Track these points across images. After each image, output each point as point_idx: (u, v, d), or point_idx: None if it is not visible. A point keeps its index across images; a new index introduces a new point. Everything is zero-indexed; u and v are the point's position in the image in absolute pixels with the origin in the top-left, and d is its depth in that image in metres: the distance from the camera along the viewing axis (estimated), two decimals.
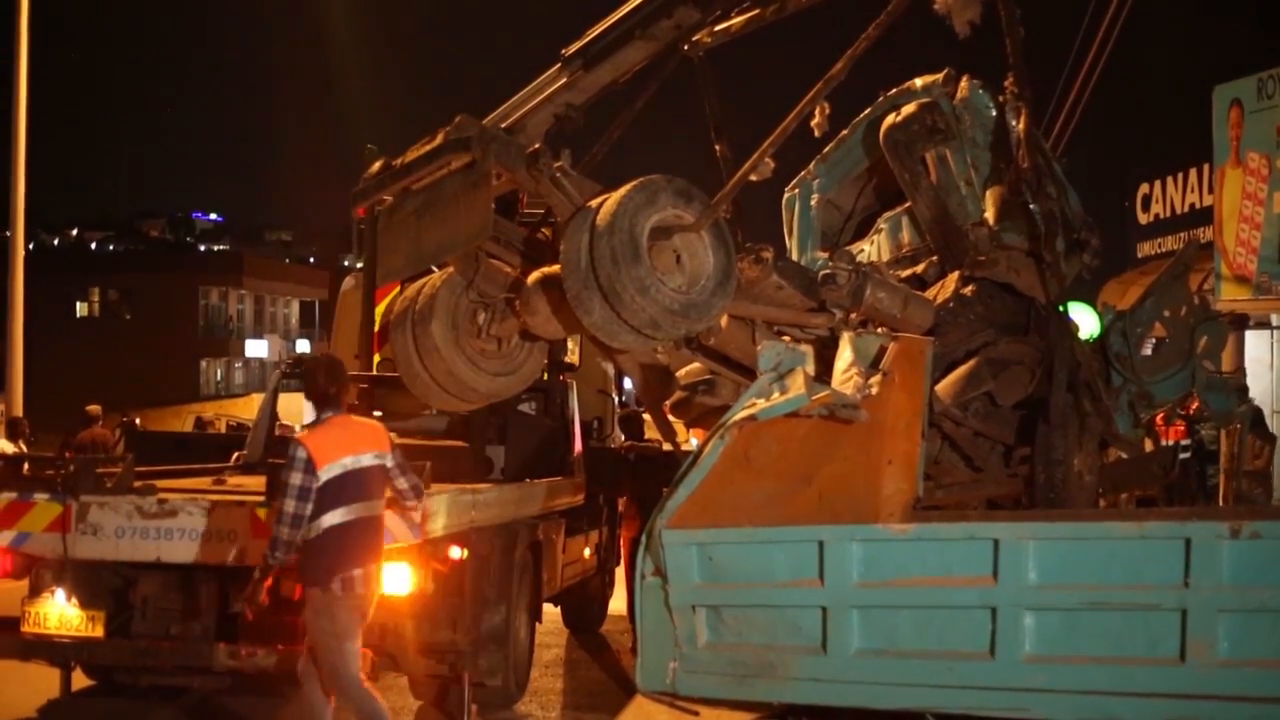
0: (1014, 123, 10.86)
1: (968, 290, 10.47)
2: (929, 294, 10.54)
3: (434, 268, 10.74)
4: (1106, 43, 21.76)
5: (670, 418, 11.76)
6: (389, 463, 9.24)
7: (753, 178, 10.08)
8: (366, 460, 9.09)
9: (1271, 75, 24.79)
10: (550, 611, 14.20)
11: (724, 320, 9.97)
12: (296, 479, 8.79)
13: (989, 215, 10.85)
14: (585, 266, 9.04)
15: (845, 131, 12.23)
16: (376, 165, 10.40)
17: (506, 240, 10.64)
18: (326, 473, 8.86)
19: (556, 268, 9.50)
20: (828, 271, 10.02)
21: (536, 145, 9.85)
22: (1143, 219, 32.58)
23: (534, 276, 10.13)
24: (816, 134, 12.02)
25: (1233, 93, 26.03)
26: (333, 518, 8.86)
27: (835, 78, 9.62)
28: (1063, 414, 9.93)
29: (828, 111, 11.64)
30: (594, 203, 9.33)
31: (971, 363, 10.06)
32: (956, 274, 10.64)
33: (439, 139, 9.83)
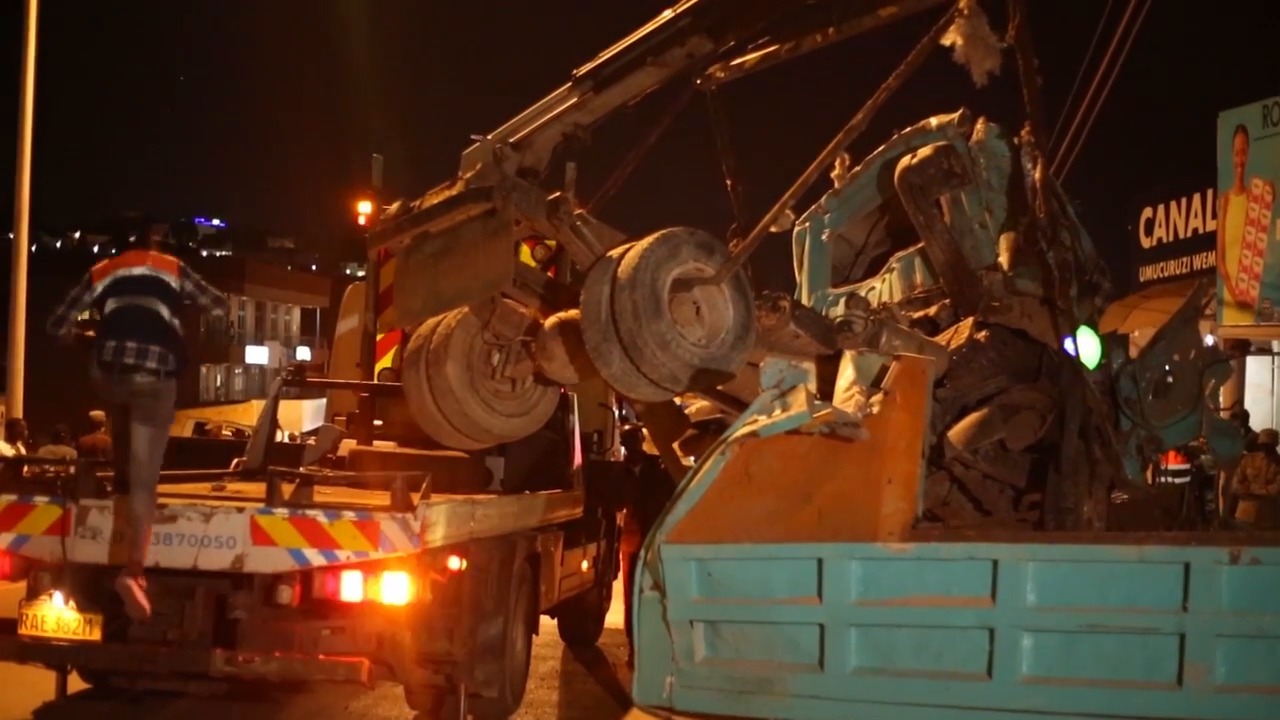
0: (1030, 168, 10.82)
1: (981, 336, 10.41)
2: (942, 338, 10.51)
3: None
4: (1112, 66, 21.78)
5: (679, 455, 11.79)
6: (173, 281, 10.45)
7: (772, 229, 10.10)
8: (137, 271, 10.41)
9: (1277, 102, 24.88)
10: (547, 624, 14.22)
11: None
12: (72, 291, 10.41)
13: (1003, 260, 10.78)
14: (606, 319, 9.06)
15: (858, 168, 12.22)
16: (394, 207, 10.45)
17: (523, 282, 10.66)
18: (101, 283, 10.33)
19: (573, 313, 9.52)
20: (844, 319, 10.03)
21: (557, 194, 9.89)
22: (1145, 243, 32.64)
23: (551, 322, 10.15)
24: (836, 185, 12.05)
25: (1238, 119, 26.11)
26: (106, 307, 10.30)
27: (855, 129, 9.66)
28: (1074, 462, 9.89)
29: (847, 162, 11.67)
30: (615, 253, 9.35)
31: (984, 410, 10.02)
32: (970, 320, 10.60)
33: (459, 186, 9.86)
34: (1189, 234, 30.52)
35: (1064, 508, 9.77)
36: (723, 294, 9.48)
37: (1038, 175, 10.57)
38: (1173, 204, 31.34)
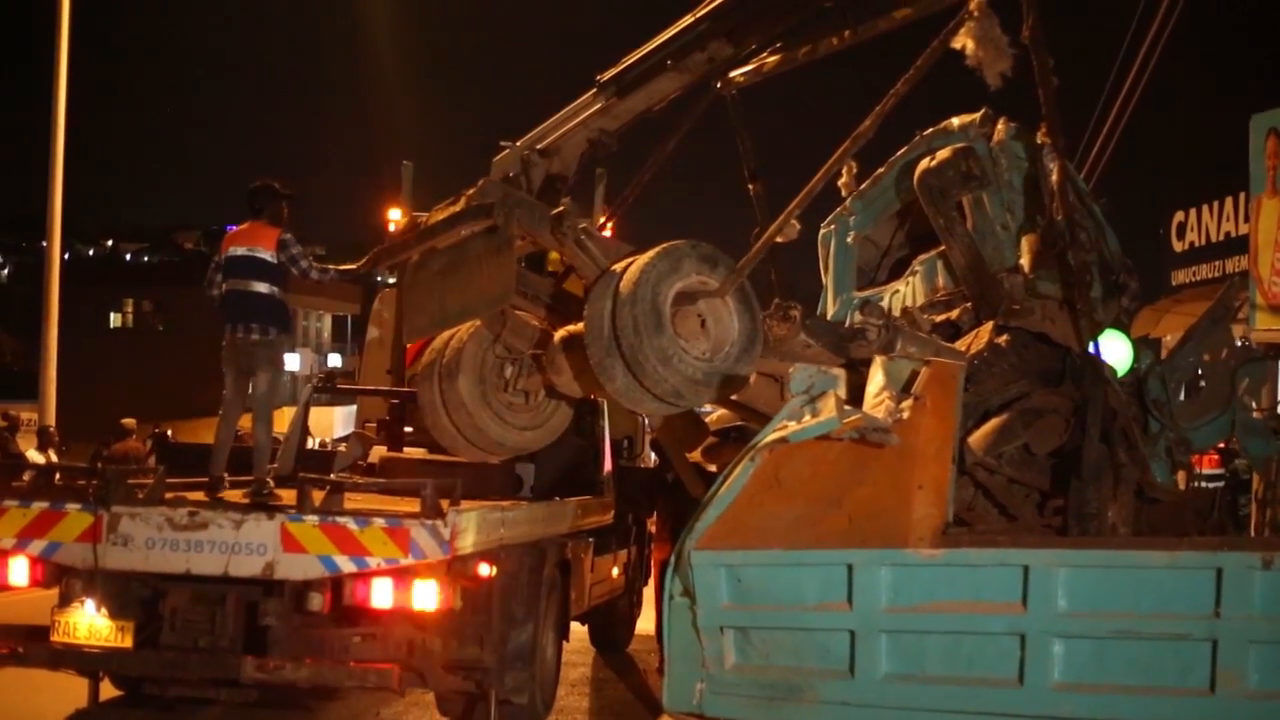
0: (1051, 168, 10.74)
1: (1002, 340, 10.34)
2: (962, 343, 10.44)
3: None
4: (1144, 69, 21.69)
5: (701, 463, 11.76)
6: (269, 256, 11.55)
7: (779, 240, 10.06)
8: (240, 252, 11.62)
9: None
10: (577, 630, 14.19)
11: (752, 376, 9.97)
12: (214, 258, 11.99)
13: (1024, 263, 10.71)
14: (608, 334, 9.06)
15: (882, 169, 12.17)
16: (404, 223, 10.47)
17: (534, 294, 10.67)
18: (223, 255, 11.74)
19: (580, 327, 9.51)
20: (858, 326, 9.98)
21: (561, 208, 9.89)
22: (1177, 247, 32.45)
23: (559, 335, 10.15)
24: (844, 194, 11.98)
25: (1270, 122, 25.95)
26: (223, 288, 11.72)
27: (863, 136, 9.61)
28: (1095, 467, 9.79)
29: (855, 170, 11.58)
30: (618, 267, 9.34)
31: (1005, 415, 9.94)
32: (990, 324, 10.52)
33: (461, 203, 9.87)
34: (1221, 237, 30.32)
35: (1087, 513, 9.69)
36: (728, 306, 9.45)
37: (1055, 176, 10.49)
38: (1204, 207, 31.14)
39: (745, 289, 9.57)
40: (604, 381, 9.26)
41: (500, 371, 10.92)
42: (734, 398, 10.17)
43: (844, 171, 11.43)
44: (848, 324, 10.99)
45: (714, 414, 11.76)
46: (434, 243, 10.11)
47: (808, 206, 9.96)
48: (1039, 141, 10.84)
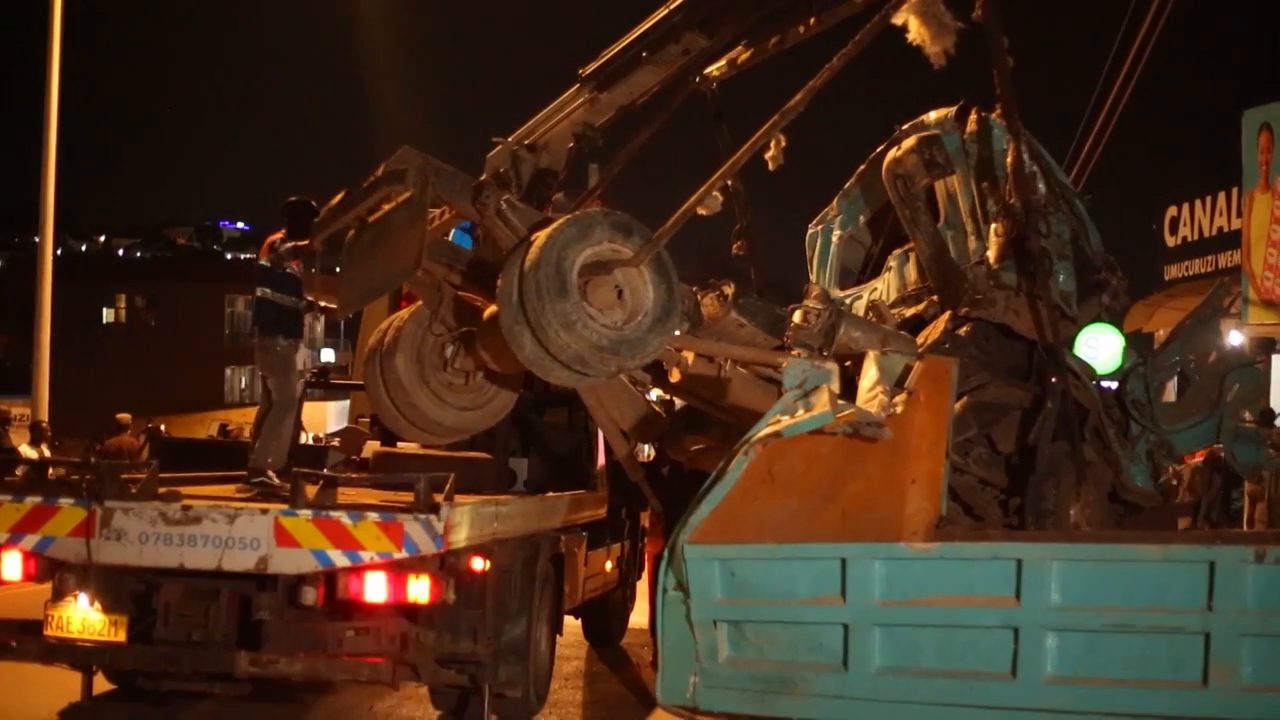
0: (1025, 156, 10.65)
1: (962, 331, 10.24)
2: (921, 335, 10.37)
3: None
4: (1137, 64, 21.72)
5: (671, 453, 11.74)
6: (265, 263, 12.13)
7: (700, 211, 10.00)
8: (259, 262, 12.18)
9: None
10: (571, 624, 14.20)
11: (691, 357, 9.93)
12: None
13: (990, 254, 10.61)
14: (516, 301, 9.02)
15: (863, 166, 12.15)
16: (338, 197, 10.47)
17: (462, 269, 10.66)
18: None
19: None
20: (800, 308, 9.92)
21: (482, 178, 9.85)
22: (1170, 242, 32.54)
23: (489, 311, 10.11)
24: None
25: (1262, 117, 26.02)
26: None
27: (792, 111, 9.53)
28: (1051, 463, 9.67)
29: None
30: (534, 236, 9.31)
31: (955, 406, 9.83)
32: (947, 315, 10.39)
33: (380, 171, 9.86)
34: (1214, 232, 30.42)
35: (1043, 510, 9.55)
36: (643, 276, 9.37)
37: (1010, 161, 10.39)
38: (1197, 202, 31.25)
39: (663, 259, 9.47)
40: (515, 350, 9.20)
41: (440, 351, 10.93)
42: (673, 380, 10.16)
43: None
44: None
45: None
46: (358, 212, 10.13)
47: (809, 180, 9.92)
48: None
